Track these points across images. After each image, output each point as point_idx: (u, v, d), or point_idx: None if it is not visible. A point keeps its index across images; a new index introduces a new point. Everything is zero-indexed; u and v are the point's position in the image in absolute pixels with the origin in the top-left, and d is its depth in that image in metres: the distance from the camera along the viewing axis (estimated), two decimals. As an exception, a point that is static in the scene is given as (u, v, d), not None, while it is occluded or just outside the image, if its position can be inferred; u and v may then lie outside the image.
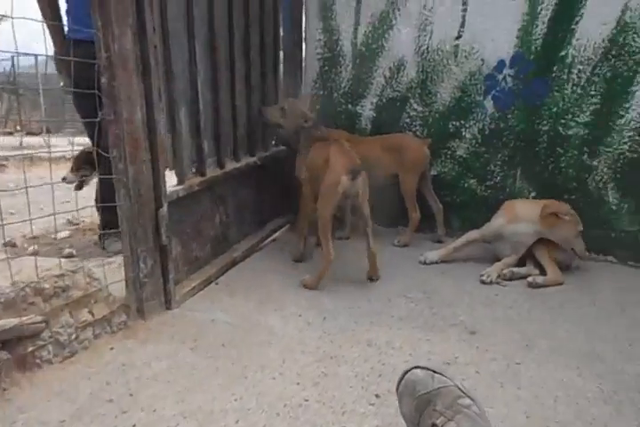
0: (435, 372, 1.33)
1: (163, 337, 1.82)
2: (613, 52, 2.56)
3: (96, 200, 2.50)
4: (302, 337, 1.89)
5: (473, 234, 2.62)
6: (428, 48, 2.88)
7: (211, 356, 1.73)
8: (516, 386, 1.67)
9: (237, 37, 2.48)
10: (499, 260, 2.53)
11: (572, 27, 2.61)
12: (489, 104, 2.82)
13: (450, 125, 2.92)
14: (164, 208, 1.83)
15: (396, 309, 2.16)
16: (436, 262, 2.62)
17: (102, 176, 1.88)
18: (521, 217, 2.48)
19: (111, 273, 1.85)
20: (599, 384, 1.70)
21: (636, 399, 1.64)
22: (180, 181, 2.06)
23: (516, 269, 2.47)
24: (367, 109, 3.06)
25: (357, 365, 1.74)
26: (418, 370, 1.34)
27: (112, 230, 1.98)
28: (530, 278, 2.40)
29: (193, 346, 1.78)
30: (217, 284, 2.31)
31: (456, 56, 2.83)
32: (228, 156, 2.50)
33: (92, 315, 1.67)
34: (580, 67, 2.63)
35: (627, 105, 2.57)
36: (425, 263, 2.61)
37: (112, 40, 1.64)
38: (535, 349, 1.89)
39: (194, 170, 2.17)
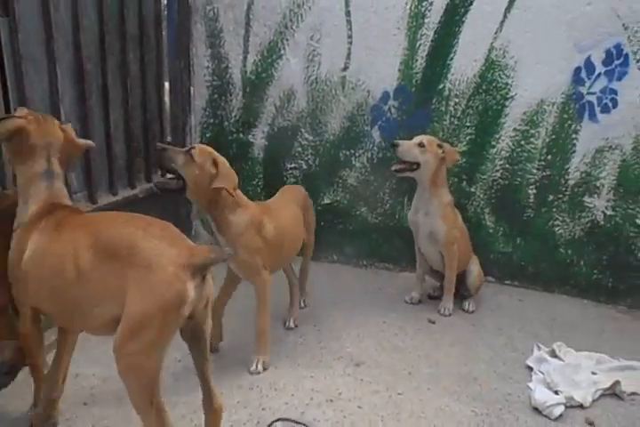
0: (297, 423, 1.31)
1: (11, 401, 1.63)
2: (484, 87, 2.80)
3: None
4: (178, 386, 1.78)
5: None
6: (316, 78, 2.97)
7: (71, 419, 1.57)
8: (396, 419, 1.71)
9: (111, 63, 2.40)
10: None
11: (448, 62, 2.82)
12: (376, 134, 2.95)
13: (340, 154, 3.01)
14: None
15: (283, 345, 2.12)
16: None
17: None
18: None
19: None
20: (474, 408, 1.79)
21: (505, 418, 1.74)
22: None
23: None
24: (259, 138, 3.08)
25: (235, 412, 1.67)
26: (278, 423, 1.32)
27: None
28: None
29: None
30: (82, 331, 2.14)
31: (343, 87, 2.95)
32: (103, 189, 2.37)
33: None
34: (456, 100, 2.84)
35: (497, 135, 2.81)
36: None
37: None
38: (416, 376, 1.96)
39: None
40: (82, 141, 1.58)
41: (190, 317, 1.25)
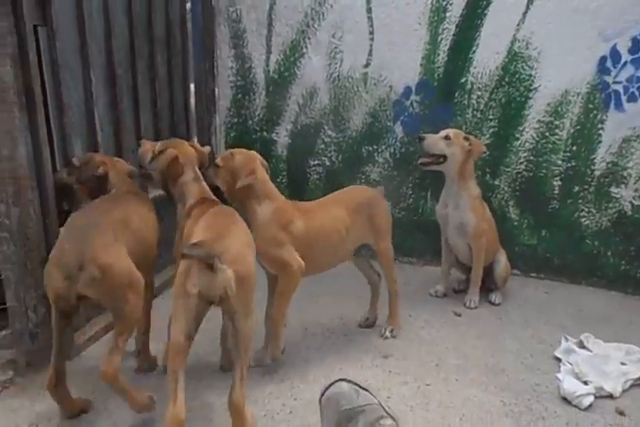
0: (360, 387, 1.34)
1: (58, 390, 1.73)
2: (507, 79, 2.80)
3: None
4: (211, 380, 1.86)
5: None
6: (338, 75, 3.01)
7: (110, 409, 1.66)
8: (425, 409, 1.75)
9: (141, 66, 2.48)
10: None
11: (470, 55, 2.83)
12: (398, 129, 2.98)
13: (363, 150, 3.05)
14: (57, 250, 1.76)
15: (310, 338, 2.18)
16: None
17: None
18: None
19: None
20: (502, 398, 1.82)
21: (534, 408, 1.77)
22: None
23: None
24: (282, 136, 3.14)
25: (268, 402, 1.74)
26: (343, 383, 1.34)
27: None
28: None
29: (91, 399, 1.70)
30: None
31: (365, 83, 2.98)
32: (136, 188, 2.46)
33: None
34: (479, 93, 2.85)
35: (521, 128, 2.81)
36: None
37: None
38: (444, 368, 1.99)
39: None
40: (205, 149, 1.98)
41: (207, 300, 1.39)
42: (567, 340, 2.18)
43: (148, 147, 1.91)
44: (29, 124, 1.72)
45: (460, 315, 2.45)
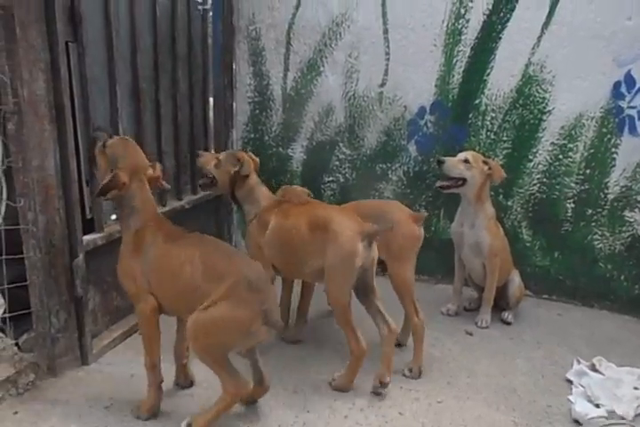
0: None
1: (75, 396, 1.79)
2: (521, 102, 2.88)
3: None
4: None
5: None
6: (354, 94, 3.11)
7: (126, 415, 1.71)
8: (437, 426, 1.78)
9: (164, 81, 2.59)
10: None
11: (484, 78, 2.92)
12: (412, 148, 3.06)
13: (377, 168, 3.12)
14: (80, 259, 1.84)
15: (326, 353, 2.22)
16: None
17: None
18: None
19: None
20: (514, 418, 1.85)
21: (546, 431, 1.78)
22: (99, 229, 2.07)
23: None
24: (298, 152, 3.23)
25: (282, 413, 1.78)
26: None
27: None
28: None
29: (108, 405, 1.76)
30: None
31: (380, 102, 3.07)
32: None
33: (-7, 377, 1.60)
34: (493, 114, 2.93)
35: (534, 150, 2.88)
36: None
37: (21, 85, 1.66)
38: (456, 386, 2.02)
39: (114, 216, 2.19)
40: (253, 157, 2.24)
41: (362, 268, 1.85)
42: (579, 362, 2.21)
43: (209, 157, 2.22)
44: (59, 136, 1.81)
45: (471, 334, 2.48)
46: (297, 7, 3.05)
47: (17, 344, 1.77)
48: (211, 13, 3.10)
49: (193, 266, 1.54)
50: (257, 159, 2.27)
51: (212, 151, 3.25)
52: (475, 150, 2.77)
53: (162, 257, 1.59)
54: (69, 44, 1.94)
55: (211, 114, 3.19)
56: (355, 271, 1.84)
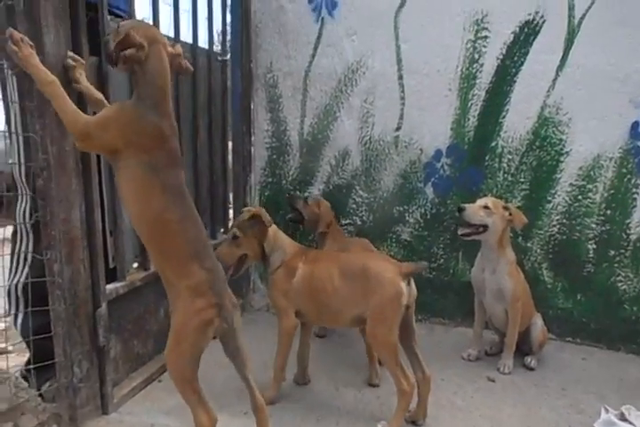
0: None
1: (95, 447, 1.82)
2: (537, 144, 2.94)
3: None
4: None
5: None
6: (370, 138, 3.20)
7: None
8: (458, 480, 1.75)
9: (185, 131, 2.73)
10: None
11: (500, 120, 3.00)
12: (429, 190, 3.11)
13: (394, 210, 3.18)
14: (103, 308, 1.91)
15: (343, 401, 2.22)
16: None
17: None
18: None
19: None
20: (540, 473, 1.79)
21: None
22: (122, 277, 2.15)
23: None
24: (314, 196, 3.30)
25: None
26: None
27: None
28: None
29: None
30: (160, 381, 2.32)
31: (396, 146, 3.16)
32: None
33: (17, 429, 1.65)
34: (510, 156, 2.98)
35: (553, 191, 2.91)
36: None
37: (51, 142, 1.75)
38: (478, 437, 1.99)
39: (136, 265, 2.28)
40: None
41: (406, 307, 1.96)
42: (607, 411, 2.16)
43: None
44: (84, 188, 1.91)
45: (493, 380, 2.45)
46: (313, 56, 3.21)
47: (40, 394, 1.83)
48: (230, 63, 3.28)
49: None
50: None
51: (231, 196, 3.37)
52: (492, 193, 2.82)
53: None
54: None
55: (229, 159, 3.32)
56: (401, 311, 1.94)
